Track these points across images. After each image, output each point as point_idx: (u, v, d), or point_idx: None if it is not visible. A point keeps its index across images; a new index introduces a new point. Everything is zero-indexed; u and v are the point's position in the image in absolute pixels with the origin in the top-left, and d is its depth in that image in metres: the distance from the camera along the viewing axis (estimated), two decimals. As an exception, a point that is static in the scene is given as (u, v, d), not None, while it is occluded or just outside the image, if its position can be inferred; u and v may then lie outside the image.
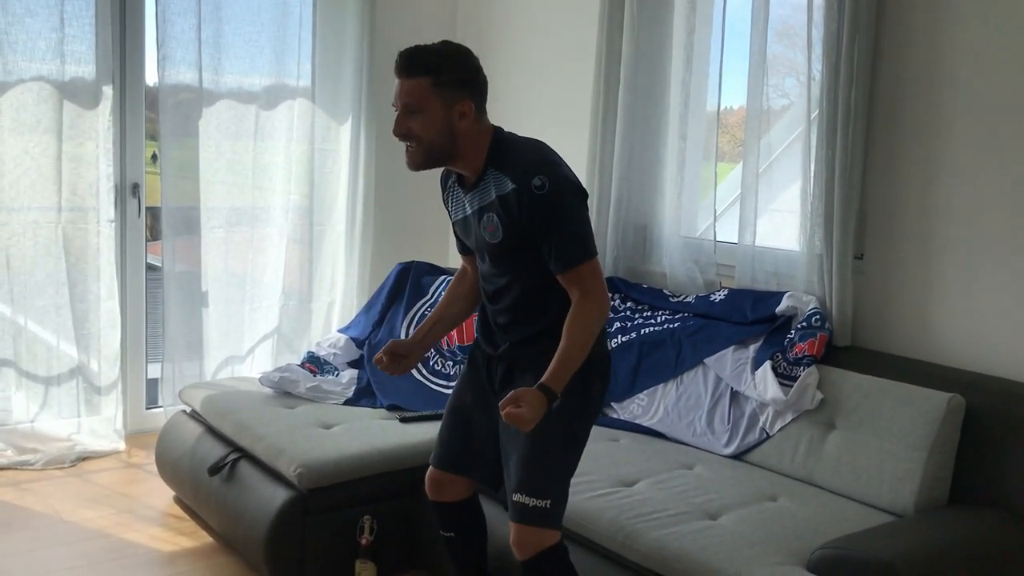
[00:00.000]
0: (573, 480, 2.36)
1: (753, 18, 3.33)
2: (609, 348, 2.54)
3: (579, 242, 2.23)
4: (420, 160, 2.27)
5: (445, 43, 2.25)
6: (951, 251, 2.90)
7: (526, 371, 2.31)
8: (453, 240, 2.58)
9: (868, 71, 2.99)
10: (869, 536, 2.37)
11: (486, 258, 2.37)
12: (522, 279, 2.32)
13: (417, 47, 2.23)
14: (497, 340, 2.43)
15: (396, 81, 2.23)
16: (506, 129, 2.33)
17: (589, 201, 2.37)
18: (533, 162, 2.24)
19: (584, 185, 2.30)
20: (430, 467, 2.57)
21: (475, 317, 2.59)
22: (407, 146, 2.26)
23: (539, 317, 2.32)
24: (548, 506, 2.26)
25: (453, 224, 2.48)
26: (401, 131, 2.24)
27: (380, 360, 2.50)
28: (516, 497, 2.27)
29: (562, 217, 2.21)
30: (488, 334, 2.46)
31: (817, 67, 3.09)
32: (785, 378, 2.97)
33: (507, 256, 2.30)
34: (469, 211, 2.35)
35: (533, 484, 2.26)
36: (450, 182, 2.43)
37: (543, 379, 2.15)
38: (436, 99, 2.21)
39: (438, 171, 2.45)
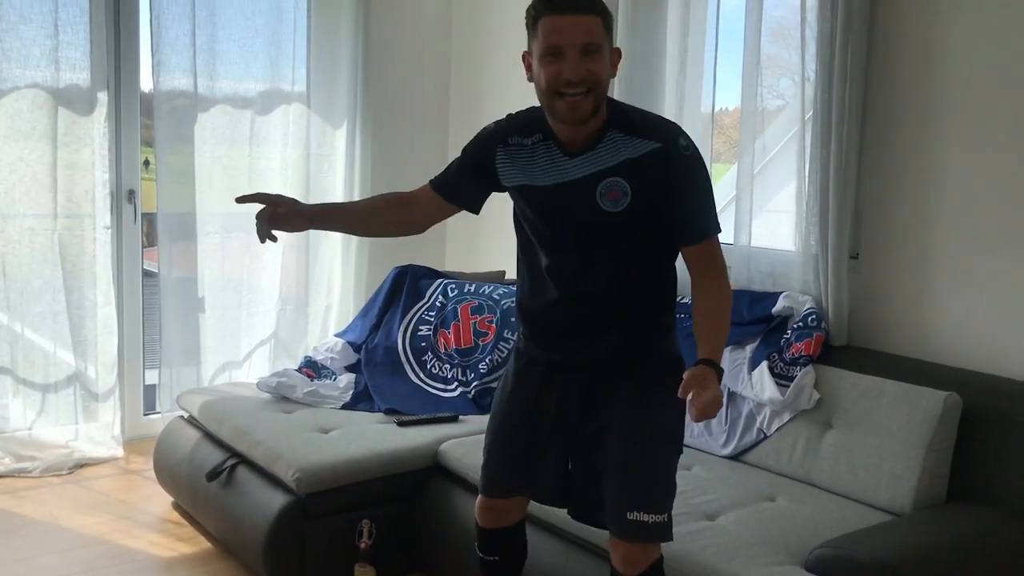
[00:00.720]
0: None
1: (747, 19, 3.34)
2: None
3: (714, 210, 2.09)
4: (591, 109, 1.97)
5: None
6: (946, 250, 2.91)
7: (626, 375, 2.13)
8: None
9: (862, 71, 3.00)
10: (868, 535, 2.38)
11: (587, 232, 2.08)
12: (628, 257, 2.11)
13: None
14: (575, 344, 2.17)
15: (549, 19, 1.94)
16: None
17: None
18: (670, 124, 2.10)
19: None
20: (481, 497, 2.36)
21: (521, 325, 2.29)
22: (574, 95, 1.95)
23: (642, 304, 2.14)
24: (666, 519, 2.10)
25: (513, 189, 2.15)
26: (580, 74, 1.93)
27: (260, 206, 2.26)
28: (633, 516, 2.07)
29: (702, 181, 2.06)
30: (556, 339, 2.21)
31: (811, 67, 3.10)
32: (782, 378, 2.97)
33: (623, 227, 2.06)
34: (577, 175, 2.05)
35: (650, 500, 2.10)
36: (515, 140, 2.12)
37: (706, 355, 1.96)
38: (607, 41, 1.99)
39: (435, 168, 2.31)
